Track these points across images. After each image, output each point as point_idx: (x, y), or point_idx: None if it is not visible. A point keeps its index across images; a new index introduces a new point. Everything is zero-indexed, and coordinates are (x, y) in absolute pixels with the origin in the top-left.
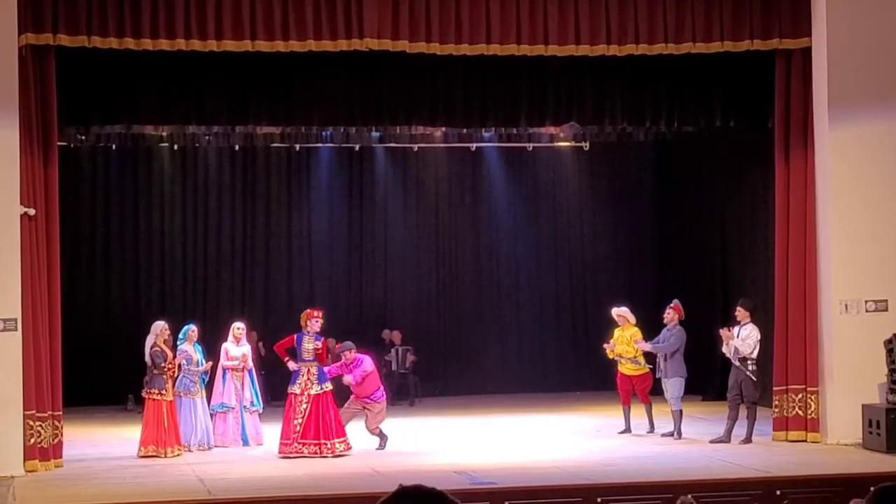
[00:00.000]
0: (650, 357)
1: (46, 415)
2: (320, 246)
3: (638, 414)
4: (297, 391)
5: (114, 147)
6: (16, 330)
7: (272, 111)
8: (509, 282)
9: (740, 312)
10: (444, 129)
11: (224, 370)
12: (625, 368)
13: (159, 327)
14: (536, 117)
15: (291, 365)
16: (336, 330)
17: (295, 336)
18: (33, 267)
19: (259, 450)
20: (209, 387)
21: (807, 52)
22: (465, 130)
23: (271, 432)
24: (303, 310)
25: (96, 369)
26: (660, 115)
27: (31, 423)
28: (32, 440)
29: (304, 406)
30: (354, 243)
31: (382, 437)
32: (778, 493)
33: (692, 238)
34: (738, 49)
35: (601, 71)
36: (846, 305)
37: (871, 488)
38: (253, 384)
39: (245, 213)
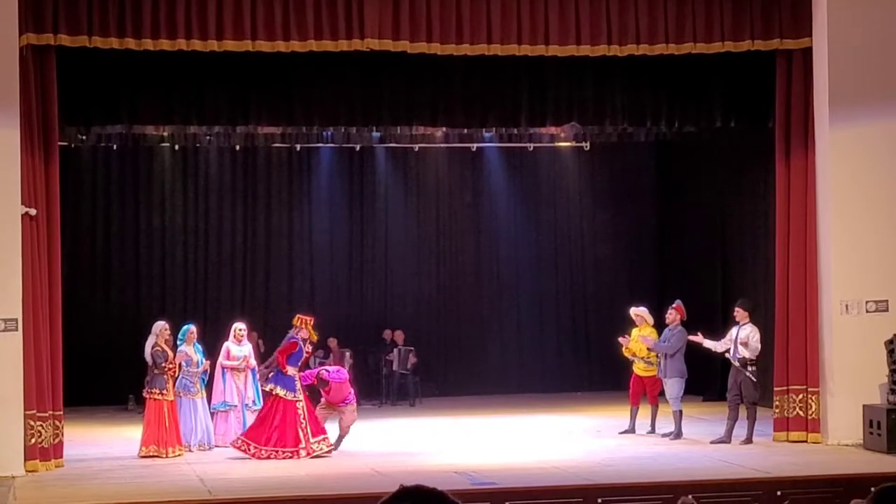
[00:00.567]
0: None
1: (47, 415)
2: (321, 246)
3: (643, 415)
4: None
5: (115, 147)
6: (16, 330)
7: (273, 111)
8: (509, 282)
9: (739, 313)
10: (444, 129)
11: (224, 369)
12: (638, 369)
13: (160, 327)
14: (537, 117)
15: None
16: (336, 330)
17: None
18: (34, 267)
19: None
20: (209, 386)
21: (807, 53)
22: (465, 130)
23: None
24: (303, 310)
25: (97, 369)
26: (660, 116)
27: (32, 422)
28: (33, 440)
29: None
30: (355, 243)
31: (342, 439)
32: (779, 493)
33: (692, 238)
34: (738, 49)
35: (602, 71)
36: (847, 306)
37: (872, 489)
38: (255, 383)
39: (246, 213)
